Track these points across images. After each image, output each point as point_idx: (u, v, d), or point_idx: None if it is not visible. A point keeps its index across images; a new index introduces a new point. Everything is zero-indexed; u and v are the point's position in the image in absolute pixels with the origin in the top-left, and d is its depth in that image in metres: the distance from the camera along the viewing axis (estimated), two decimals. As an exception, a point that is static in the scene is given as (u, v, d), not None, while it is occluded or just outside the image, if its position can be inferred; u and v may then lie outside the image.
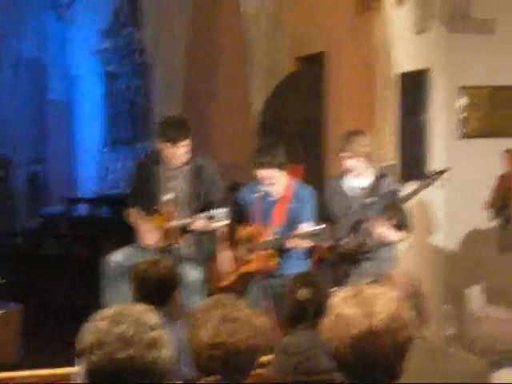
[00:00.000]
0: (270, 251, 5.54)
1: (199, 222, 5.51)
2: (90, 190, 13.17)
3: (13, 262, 10.15)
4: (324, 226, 5.39)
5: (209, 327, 2.59)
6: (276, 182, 5.70)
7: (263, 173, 5.62)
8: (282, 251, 5.65)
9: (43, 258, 10.38)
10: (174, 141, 5.57)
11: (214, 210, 5.47)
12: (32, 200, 14.00)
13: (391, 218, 5.50)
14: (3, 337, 5.54)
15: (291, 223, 5.67)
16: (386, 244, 5.61)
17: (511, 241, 5.54)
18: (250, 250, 5.76)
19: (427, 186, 5.51)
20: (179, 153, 5.61)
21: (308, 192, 5.81)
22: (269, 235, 5.56)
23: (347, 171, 5.65)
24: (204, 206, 5.69)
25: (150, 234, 5.66)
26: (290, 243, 5.53)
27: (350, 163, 5.58)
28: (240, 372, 2.59)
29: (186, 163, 5.71)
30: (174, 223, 5.61)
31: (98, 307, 2.49)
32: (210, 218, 5.46)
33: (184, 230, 5.67)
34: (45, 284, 9.41)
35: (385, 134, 7.17)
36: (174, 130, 5.63)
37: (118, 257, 5.71)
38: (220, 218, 5.43)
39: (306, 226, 5.52)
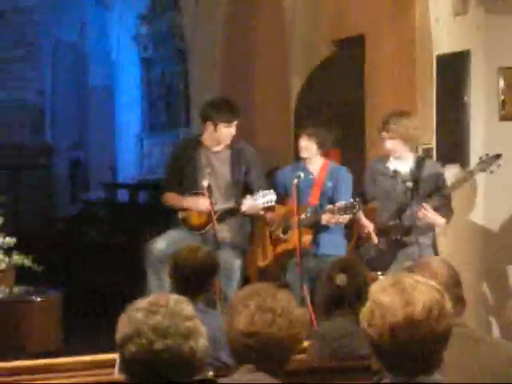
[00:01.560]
0: (305, 229, 5.56)
1: (248, 203, 5.54)
2: (130, 175, 13.25)
3: (54, 248, 10.25)
4: (356, 200, 5.42)
5: (244, 316, 2.59)
6: (313, 158, 5.79)
7: (304, 142, 5.76)
8: (317, 229, 5.69)
9: (83, 244, 10.46)
10: (229, 120, 5.62)
11: (261, 191, 5.52)
12: (73, 186, 14.13)
13: (436, 202, 5.47)
14: (44, 324, 5.60)
15: (327, 202, 5.72)
16: (431, 229, 5.58)
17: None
18: (287, 229, 5.81)
19: (480, 171, 5.48)
20: (231, 133, 5.65)
21: (343, 172, 5.89)
22: (304, 214, 5.58)
23: (387, 152, 5.63)
24: (244, 190, 5.73)
25: (202, 200, 5.63)
26: (324, 219, 5.56)
27: (388, 144, 5.56)
28: (275, 362, 2.59)
29: (227, 148, 5.74)
30: (218, 207, 5.64)
31: (138, 294, 2.50)
32: (258, 198, 5.50)
33: (227, 213, 5.69)
34: (84, 270, 9.48)
35: (425, 117, 7.11)
36: (229, 109, 5.69)
37: (161, 244, 5.72)
38: (268, 200, 5.49)
39: (342, 202, 5.55)
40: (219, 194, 5.72)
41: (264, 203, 5.55)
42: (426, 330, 2.23)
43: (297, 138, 6.04)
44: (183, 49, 11.60)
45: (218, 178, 5.73)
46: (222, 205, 5.67)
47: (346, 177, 5.90)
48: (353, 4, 8.38)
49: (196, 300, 3.87)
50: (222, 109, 5.69)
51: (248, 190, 5.75)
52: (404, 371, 2.26)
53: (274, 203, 5.60)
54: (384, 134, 5.58)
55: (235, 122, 5.67)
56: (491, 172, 5.50)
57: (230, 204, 5.67)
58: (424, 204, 5.43)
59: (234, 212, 5.71)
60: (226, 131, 5.65)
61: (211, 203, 5.52)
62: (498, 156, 5.48)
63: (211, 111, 5.75)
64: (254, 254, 6.03)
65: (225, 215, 5.69)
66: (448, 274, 3.09)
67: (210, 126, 5.69)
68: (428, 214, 5.43)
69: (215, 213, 5.55)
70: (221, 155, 5.75)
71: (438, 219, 5.51)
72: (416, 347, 2.24)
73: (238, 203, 5.62)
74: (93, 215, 12.62)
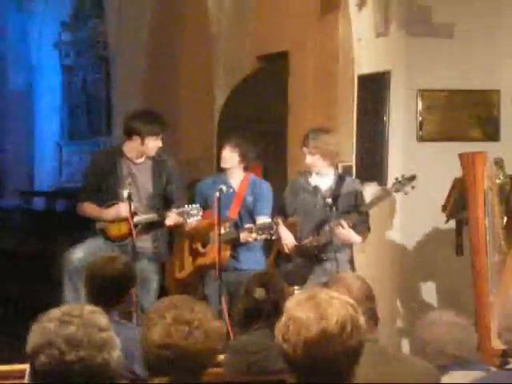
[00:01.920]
0: (223, 244, 5.58)
1: (173, 218, 5.52)
2: (47, 183, 13.06)
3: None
4: (274, 220, 5.51)
5: (160, 327, 2.58)
6: (234, 171, 5.82)
7: (226, 153, 5.81)
8: (235, 244, 5.72)
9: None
10: (158, 134, 5.58)
11: (188, 206, 5.51)
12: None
13: (353, 220, 5.56)
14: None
15: (247, 215, 5.76)
16: (348, 245, 5.66)
17: (466, 244, 5.59)
18: (206, 243, 5.82)
19: (395, 191, 5.59)
20: (158, 145, 5.62)
21: (264, 186, 5.94)
22: (223, 228, 5.59)
23: (307, 167, 5.70)
24: (165, 201, 5.70)
25: (120, 208, 5.58)
26: (243, 236, 5.60)
27: (308, 159, 5.63)
28: (190, 374, 2.58)
29: (148, 159, 5.70)
30: (141, 218, 5.59)
31: (52, 303, 2.46)
32: (184, 213, 5.49)
33: (147, 224, 5.65)
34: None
35: (344, 135, 7.20)
36: (158, 122, 5.65)
37: (78, 253, 5.65)
38: (194, 214, 5.49)
39: (262, 220, 5.61)
40: (140, 204, 5.68)
41: (191, 220, 5.54)
42: (338, 344, 2.26)
43: (220, 149, 6.07)
44: (106, 56, 11.51)
45: (139, 189, 5.69)
46: (143, 215, 5.63)
47: (267, 191, 5.94)
48: (277, 20, 8.45)
49: (111, 311, 3.82)
50: (151, 122, 5.64)
51: (168, 200, 5.72)
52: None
53: (199, 218, 5.59)
54: (304, 149, 5.66)
55: (161, 136, 5.65)
56: (406, 193, 5.62)
57: (153, 216, 5.63)
58: (341, 221, 5.51)
59: (155, 224, 5.67)
60: (154, 144, 5.62)
61: (131, 213, 5.48)
62: (412, 177, 5.59)
63: (138, 125, 5.64)
64: (172, 266, 6.01)
65: (145, 226, 5.65)
66: (362, 289, 3.14)
67: (136, 140, 5.62)
68: (344, 230, 5.51)
69: (136, 225, 5.51)
70: (142, 166, 5.70)
71: (354, 236, 5.59)
72: (329, 362, 2.27)
73: (162, 215, 5.59)
74: (7, 222, 12.38)
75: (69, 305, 2.21)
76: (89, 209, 5.77)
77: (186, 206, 5.57)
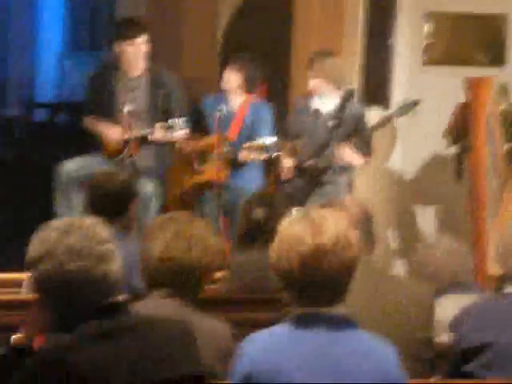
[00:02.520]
0: (221, 163, 5.57)
1: (158, 132, 5.46)
2: (49, 95, 12.98)
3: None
4: (275, 139, 5.46)
5: (161, 241, 2.60)
6: (236, 92, 5.76)
7: (228, 74, 5.75)
8: (233, 164, 5.71)
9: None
10: (130, 37, 5.46)
11: (173, 120, 5.43)
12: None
13: (355, 142, 5.54)
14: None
15: (246, 137, 5.74)
16: (348, 168, 5.66)
17: (466, 169, 5.59)
18: (203, 161, 5.81)
19: (399, 115, 5.56)
20: (137, 51, 5.49)
21: (264, 109, 5.90)
22: (222, 147, 5.58)
23: (311, 91, 5.66)
24: (164, 117, 5.65)
25: (113, 130, 5.56)
26: (241, 156, 5.58)
27: (313, 83, 5.59)
28: (189, 288, 2.61)
29: (145, 73, 5.63)
30: (133, 134, 5.56)
31: (51, 215, 2.47)
32: (169, 127, 5.43)
33: (143, 140, 5.62)
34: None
35: (350, 56, 7.11)
36: (129, 26, 5.55)
37: (71, 166, 5.64)
38: (180, 127, 5.41)
39: (261, 140, 5.59)
40: (138, 119, 5.65)
41: (176, 134, 5.45)
42: (333, 258, 2.29)
43: (223, 68, 5.99)
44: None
45: (135, 104, 5.64)
46: (138, 132, 5.58)
47: (267, 114, 5.89)
48: None
49: (112, 225, 3.84)
50: (122, 27, 5.59)
51: (169, 114, 5.65)
52: (311, 300, 2.31)
53: (185, 132, 5.51)
54: (309, 72, 5.60)
55: (140, 40, 5.51)
56: (411, 113, 5.56)
57: (144, 131, 5.58)
58: (343, 143, 5.49)
59: (148, 140, 5.62)
60: (131, 50, 5.50)
61: (128, 130, 5.45)
62: (416, 102, 5.55)
63: (115, 32, 5.69)
64: (171, 184, 6.02)
65: (141, 142, 5.61)
66: (359, 211, 3.16)
67: (117, 48, 5.56)
68: (346, 153, 5.50)
69: (128, 141, 5.48)
70: (138, 81, 5.64)
71: (355, 159, 5.58)
72: (323, 276, 2.29)
73: (151, 131, 5.52)
74: (7, 132, 12.33)
75: (71, 217, 2.21)
76: (89, 123, 5.76)
77: (171, 120, 5.45)
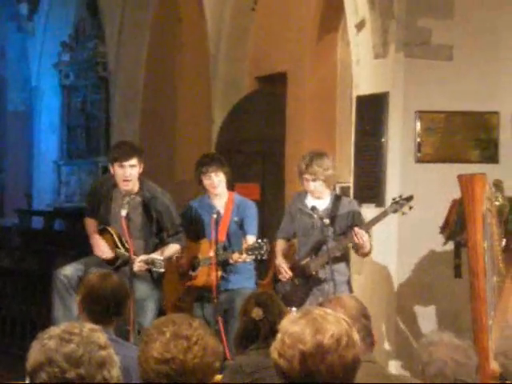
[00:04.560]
0: (213, 266, 5.61)
1: (139, 264, 5.54)
2: (46, 202, 13.06)
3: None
4: (264, 240, 5.50)
5: (159, 343, 2.57)
6: (221, 192, 5.81)
7: (214, 178, 5.76)
8: (225, 266, 5.74)
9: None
10: (120, 160, 5.59)
11: (153, 256, 5.58)
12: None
13: (351, 239, 5.55)
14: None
15: (234, 237, 5.78)
16: (346, 266, 5.66)
17: (464, 266, 5.58)
18: (196, 266, 5.84)
19: (392, 212, 5.58)
20: (125, 174, 5.59)
21: (249, 205, 5.94)
22: (213, 250, 5.62)
23: (308, 192, 5.69)
24: (157, 231, 5.74)
25: (103, 248, 5.65)
26: (233, 257, 5.62)
27: (312, 186, 5.61)
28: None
29: (139, 195, 5.71)
30: (121, 254, 5.65)
31: (50, 322, 2.46)
32: (149, 262, 5.55)
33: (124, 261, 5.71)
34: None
35: (343, 155, 7.22)
36: (122, 150, 5.69)
37: (67, 271, 5.68)
38: (158, 266, 5.55)
39: (250, 240, 5.64)
40: (131, 235, 5.71)
41: (155, 269, 5.58)
42: (334, 358, 2.26)
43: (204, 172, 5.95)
44: (105, 77, 11.55)
45: (128, 221, 5.70)
46: (121, 255, 5.66)
47: (252, 209, 5.95)
48: (276, 42, 8.50)
49: (109, 327, 3.82)
50: (116, 149, 5.78)
51: (161, 230, 5.77)
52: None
53: (162, 271, 5.61)
54: (307, 176, 5.61)
55: (129, 163, 5.62)
56: (403, 214, 5.62)
57: (125, 257, 5.64)
58: (355, 228, 5.49)
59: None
60: (120, 172, 5.63)
61: (127, 232, 5.52)
62: (410, 198, 5.59)
63: (109, 153, 5.97)
64: (165, 291, 6.03)
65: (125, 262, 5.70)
66: (357, 308, 3.15)
67: (111, 169, 5.72)
68: (362, 234, 5.46)
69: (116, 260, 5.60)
70: (132, 200, 5.71)
71: (367, 242, 5.54)
72: (325, 376, 2.26)
73: (134, 260, 5.56)
74: (5, 241, 12.36)
75: (69, 323, 2.21)
76: (88, 227, 5.86)
77: (153, 254, 5.61)
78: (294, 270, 5.72)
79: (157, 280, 5.78)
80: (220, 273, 5.72)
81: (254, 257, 5.57)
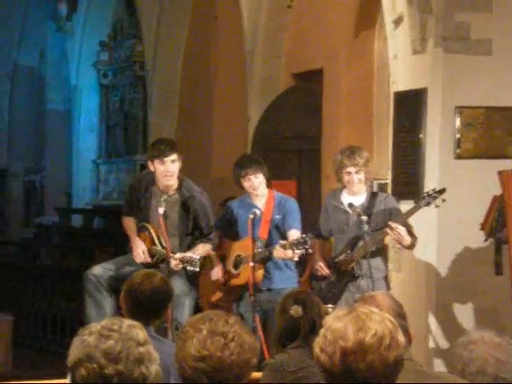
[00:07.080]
0: (256, 264, 5.56)
1: (175, 262, 5.56)
2: (85, 201, 13.18)
3: (5, 271, 10.13)
4: (308, 235, 5.36)
5: (196, 340, 2.57)
6: (262, 192, 5.78)
7: (254, 180, 5.71)
8: (268, 263, 5.69)
9: (36, 268, 10.36)
10: (160, 155, 5.62)
11: (191, 254, 5.56)
12: (28, 210, 14.01)
13: (387, 233, 5.50)
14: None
15: (276, 235, 5.72)
16: (383, 263, 5.61)
17: (505, 262, 5.53)
18: (238, 264, 5.80)
19: (425, 205, 5.52)
20: (167, 170, 5.62)
21: (290, 202, 5.89)
22: (255, 248, 5.57)
23: (350, 186, 5.62)
24: (192, 230, 5.78)
25: (139, 251, 5.69)
26: (276, 255, 5.54)
27: (356, 178, 5.54)
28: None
29: (176, 192, 5.73)
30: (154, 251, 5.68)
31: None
32: (186, 261, 5.56)
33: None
34: (37, 295, 9.38)
35: (381, 152, 7.18)
36: (161, 145, 5.73)
37: (97, 270, 5.73)
38: (194, 264, 5.53)
39: (294, 234, 5.55)
40: (168, 233, 5.73)
41: (191, 268, 5.57)
42: (376, 357, 2.24)
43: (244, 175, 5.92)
44: (143, 76, 11.62)
45: (166, 219, 5.73)
46: (157, 251, 5.68)
47: (294, 207, 5.87)
48: (312, 38, 8.48)
49: (149, 326, 3.84)
50: (155, 146, 5.79)
51: (197, 230, 5.80)
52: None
53: (197, 270, 5.61)
54: (350, 168, 5.56)
55: (170, 159, 5.65)
56: (436, 207, 5.52)
57: (162, 254, 5.67)
58: (390, 223, 5.44)
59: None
60: (161, 168, 5.65)
61: (163, 231, 5.54)
62: (442, 190, 5.50)
63: (148, 151, 5.97)
64: (204, 289, 6.01)
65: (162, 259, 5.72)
66: (392, 306, 3.12)
67: (151, 166, 5.74)
68: (399, 230, 5.41)
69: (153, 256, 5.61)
70: (170, 199, 5.74)
71: (406, 236, 5.48)
72: (366, 374, 2.24)
73: (169, 256, 5.59)
74: (46, 239, 12.50)
75: (109, 319, 2.22)
76: (127, 226, 5.89)
77: (189, 252, 5.60)
78: (330, 267, 5.70)
79: (192, 278, 5.79)
80: (262, 271, 5.67)
81: (299, 251, 5.39)
